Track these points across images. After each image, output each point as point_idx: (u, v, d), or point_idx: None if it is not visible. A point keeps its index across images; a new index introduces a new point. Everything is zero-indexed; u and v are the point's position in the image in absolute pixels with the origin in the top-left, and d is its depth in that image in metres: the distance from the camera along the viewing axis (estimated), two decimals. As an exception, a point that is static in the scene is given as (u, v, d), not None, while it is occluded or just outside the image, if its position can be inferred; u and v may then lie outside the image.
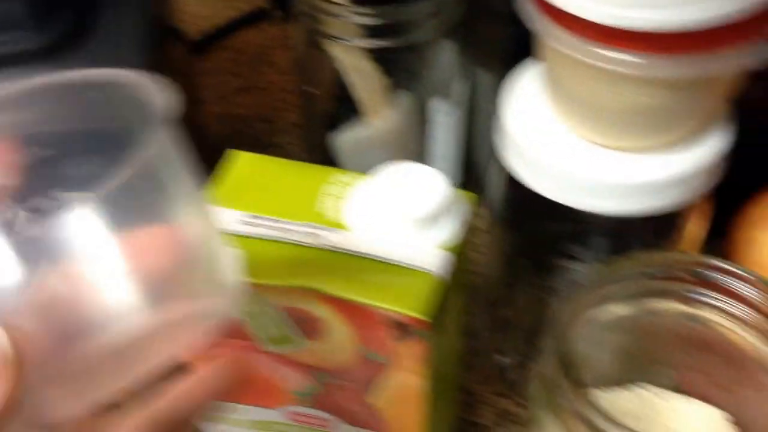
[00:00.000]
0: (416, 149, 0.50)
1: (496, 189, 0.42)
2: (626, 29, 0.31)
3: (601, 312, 0.35)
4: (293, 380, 0.36)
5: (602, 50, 0.32)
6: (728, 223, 0.50)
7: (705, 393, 0.38)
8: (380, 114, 0.47)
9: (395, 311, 0.32)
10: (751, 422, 0.36)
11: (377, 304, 0.32)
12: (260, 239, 0.34)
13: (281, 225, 0.34)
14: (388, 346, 0.33)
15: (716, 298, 0.34)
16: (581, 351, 0.38)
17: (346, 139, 0.48)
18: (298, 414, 0.38)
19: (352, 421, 0.37)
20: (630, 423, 0.38)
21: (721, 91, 0.36)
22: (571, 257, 0.41)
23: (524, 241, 0.43)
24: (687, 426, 0.37)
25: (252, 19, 0.65)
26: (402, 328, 0.32)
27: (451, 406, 0.42)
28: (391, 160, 0.35)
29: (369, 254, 0.33)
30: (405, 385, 0.35)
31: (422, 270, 0.32)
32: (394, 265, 0.33)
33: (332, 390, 0.36)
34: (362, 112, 0.47)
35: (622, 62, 0.32)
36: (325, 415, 0.37)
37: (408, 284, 0.32)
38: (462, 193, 0.35)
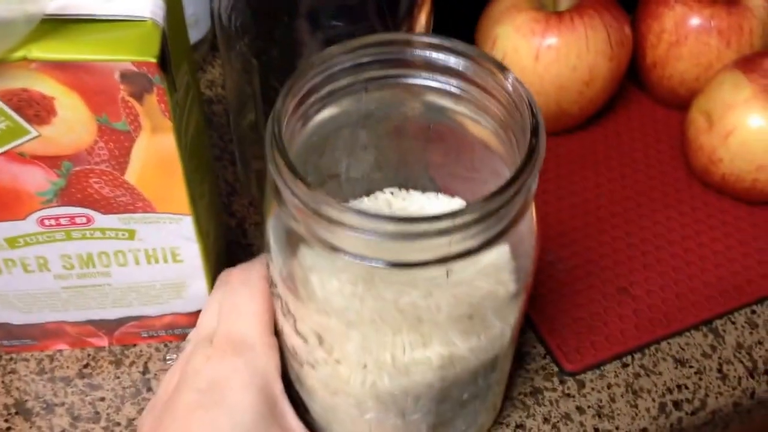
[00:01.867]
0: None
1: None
2: None
3: (326, 112, 0.33)
4: (35, 179, 0.34)
5: None
6: (473, 23, 0.52)
7: (453, 187, 0.38)
8: None
9: (121, 59, 0.30)
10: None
11: (101, 57, 0.30)
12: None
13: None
14: (127, 109, 0.32)
15: (437, 79, 0.33)
16: (324, 156, 0.36)
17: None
18: (49, 217, 0.35)
19: (110, 210, 0.35)
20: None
21: None
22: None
23: (259, 44, 0.40)
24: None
25: None
26: (134, 79, 0.30)
27: (212, 208, 0.41)
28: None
29: (78, 14, 0.31)
30: (157, 147, 0.33)
31: (138, 19, 0.31)
32: (107, 20, 0.31)
33: (81, 179, 0.34)
34: None
35: None
36: (80, 211, 0.35)
37: (128, 34, 0.30)
38: None
